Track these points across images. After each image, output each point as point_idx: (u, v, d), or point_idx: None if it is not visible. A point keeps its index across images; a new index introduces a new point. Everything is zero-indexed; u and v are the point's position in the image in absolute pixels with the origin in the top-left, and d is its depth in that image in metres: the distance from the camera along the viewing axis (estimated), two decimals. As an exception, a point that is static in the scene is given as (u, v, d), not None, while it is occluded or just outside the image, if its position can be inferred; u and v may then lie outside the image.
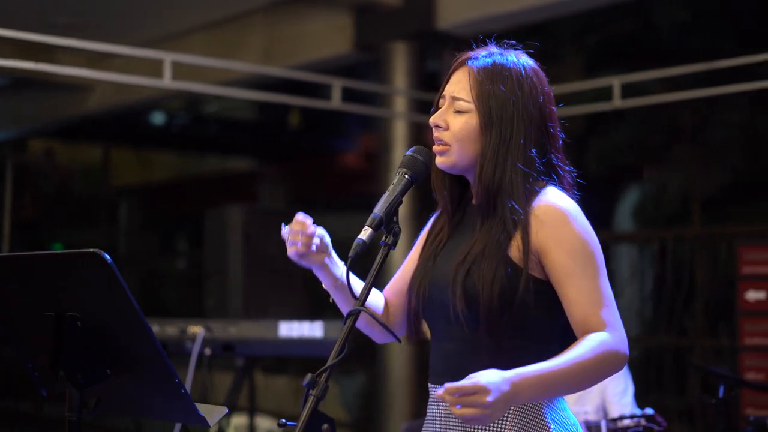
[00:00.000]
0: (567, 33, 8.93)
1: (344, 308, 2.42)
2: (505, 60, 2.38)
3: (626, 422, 3.71)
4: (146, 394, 2.30)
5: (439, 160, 2.36)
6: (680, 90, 7.12)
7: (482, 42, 2.49)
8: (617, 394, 4.18)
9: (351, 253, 2.20)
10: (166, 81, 5.43)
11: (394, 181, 2.28)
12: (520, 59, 2.41)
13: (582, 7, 6.83)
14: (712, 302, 7.64)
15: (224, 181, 12.89)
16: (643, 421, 3.67)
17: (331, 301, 2.44)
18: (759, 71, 7.16)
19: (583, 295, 2.24)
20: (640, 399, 7.05)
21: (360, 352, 5.76)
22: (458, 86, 2.37)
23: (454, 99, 2.36)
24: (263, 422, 6.84)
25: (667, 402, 7.26)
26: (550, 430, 2.26)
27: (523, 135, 2.33)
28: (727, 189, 8.80)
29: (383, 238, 2.24)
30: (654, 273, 7.94)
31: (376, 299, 2.52)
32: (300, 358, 8.80)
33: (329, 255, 2.37)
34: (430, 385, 2.41)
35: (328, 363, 2.09)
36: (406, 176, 2.29)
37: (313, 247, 2.30)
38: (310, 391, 2.07)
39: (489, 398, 2.03)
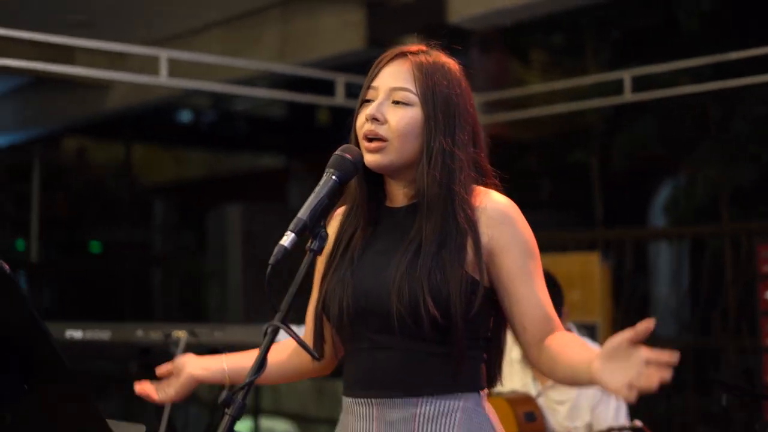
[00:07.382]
0: (587, 25, 8.75)
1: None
2: (441, 58, 2.29)
3: None
4: (55, 413, 2.18)
5: (374, 158, 2.18)
6: (702, 82, 6.93)
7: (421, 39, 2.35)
8: (608, 418, 3.96)
9: (271, 260, 2.02)
10: (163, 78, 5.38)
11: (321, 182, 2.12)
12: (449, 59, 2.32)
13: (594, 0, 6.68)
14: (736, 302, 7.43)
15: (255, 179, 12.86)
16: (629, 433, 3.52)
17: None
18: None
19: (541, 293, 2.20)
20: (663, 401, 6.89)
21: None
22: (398, 77, 2.22)
23: (395, 90, 2.20)
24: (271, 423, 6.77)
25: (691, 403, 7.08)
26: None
27: (465, 132, 2.24)
28: (755, 183, 8.56)
29: (308, 243, 2.08)
30: (690, 272, 7.77)
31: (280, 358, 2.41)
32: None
33: (193, 371, 2.39)
34: (354, 400, 2.23)
35: (246, 380, 1.97)
36: (333, 177, 2.13)
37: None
38: (226, 410, 1.94)
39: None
